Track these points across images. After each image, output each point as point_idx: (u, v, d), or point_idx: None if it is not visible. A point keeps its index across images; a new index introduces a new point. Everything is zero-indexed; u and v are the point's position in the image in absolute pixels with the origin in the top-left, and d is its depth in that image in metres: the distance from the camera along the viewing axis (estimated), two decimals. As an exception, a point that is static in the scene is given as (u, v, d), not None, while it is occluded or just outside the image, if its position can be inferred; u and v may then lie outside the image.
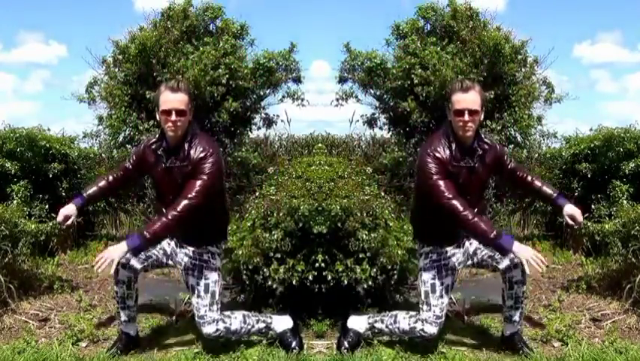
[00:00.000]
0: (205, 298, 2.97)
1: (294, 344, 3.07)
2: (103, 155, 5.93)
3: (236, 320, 3.04)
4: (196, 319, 2.99)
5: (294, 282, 3.39)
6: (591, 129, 5.61)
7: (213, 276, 2.99)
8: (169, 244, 3.02)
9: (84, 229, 5.70)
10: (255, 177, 5.30)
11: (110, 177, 3.20)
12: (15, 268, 3.93)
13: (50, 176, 5.26)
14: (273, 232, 3.42)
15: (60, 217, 3.11)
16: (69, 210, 3.13)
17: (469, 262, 3.04)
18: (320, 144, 5.06)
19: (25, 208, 4.43)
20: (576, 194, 5.49)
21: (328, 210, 3.43)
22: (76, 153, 5.67)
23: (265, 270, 3.44)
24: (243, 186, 5.27)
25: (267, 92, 5.48)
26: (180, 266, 3.03)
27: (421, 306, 3.02)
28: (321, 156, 4.35)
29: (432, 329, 2.97)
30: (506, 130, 5.22)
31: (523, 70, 5.42)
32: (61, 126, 6.47)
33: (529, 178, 3.19)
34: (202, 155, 2.82)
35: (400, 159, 5.38)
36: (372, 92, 5.48)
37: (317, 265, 3.39)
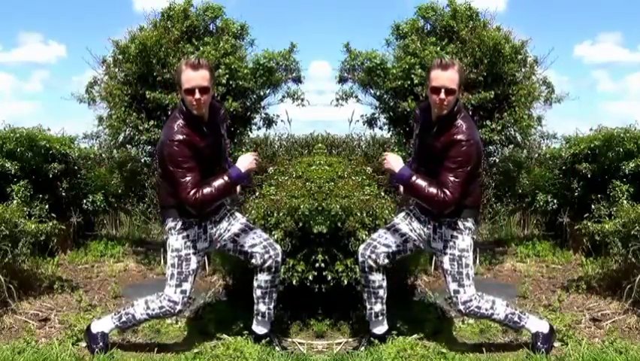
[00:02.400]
0: (257, 227, 3.13)
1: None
2: (103, 155, 5.93)
3: None
4: (265, 243, 3.02)
5: (294, 282, 3.39)
6: (591, 129, 5.60)
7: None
8: (206, 239, 2.99)
9: (84, 229, 5.70)
10: (255, 177, 5.29)
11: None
12: (15, 268, 3.93)
13: (50, 176, 5.26)
14: (273, 232, 3.42)
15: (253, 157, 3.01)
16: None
17: (427, 246, 3.06)
18: (320, 144, 5.07)
19: (25, 208, 4.42)
20: (576, 194, 5.49)
21: (328, 210, 3.43)
22: (76, 153, 5.67)
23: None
24: (243, 186, 5.27)
25: (267, 92, 5.47)
26: (221, 236, 3.03)
27: None
28: (321, 156, 4.36)
29: (360, 247, 3.09)
30: (506, 130, 5.21)
31: (523, 70, 5.41)
32: (61, 126, 6.44)
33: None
34: (225, 117, 3.11)
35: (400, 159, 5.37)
36: (372, 92, 5.47)
37: (317, 265, 3.39)
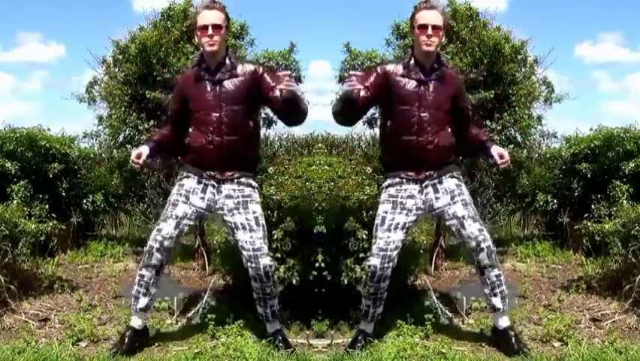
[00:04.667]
0: (259, 231, 2.98)
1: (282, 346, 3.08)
2: (103, 155, 5.93)
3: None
4: (251, 253, 2.95)
5: (294, 282, 3.39)
6: (591, 129, 5.62)
7: (259, 209, 3.03)
8: (203, 198, 3.01)
9: (84, 229, 5.70)
10: (254, 177, 5.30)
11: (165, 128, 3.26)
12: (15, 268, 3.93)
13: (50, 176, 5.26)
14: (273, 232, 3.42)
15: (133, 156, 3.02)
16: (141, 149, 3.06)
17: (430, 214, 3.08)
18: (320, 144, 5.06)
19: (25, 208, 4.42)
20: (576, 194, 5.49)
21: (328, 210, 3.43)
22: (76, 153, 5.67)
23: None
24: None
25: (267, 92, 5.47)
26: (222, 212, 3.02)
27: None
28: (321, 156, 4.34)
29: (374, 261, 2.95)
30: (506, 130, 5.21)
31: (523, 70, 5.41)
32: (61, 126, 6.45)
33: (469, 128, 3.17)
34: (260, 68, 3.02)
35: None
36: (372, 92, 5.47)
37: (317, 265, 3.39)
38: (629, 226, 3.86)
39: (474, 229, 2.97)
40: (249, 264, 2.99)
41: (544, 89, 5.60)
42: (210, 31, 2.92)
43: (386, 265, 2.96)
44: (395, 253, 2.97)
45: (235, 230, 3.01)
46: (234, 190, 3.02)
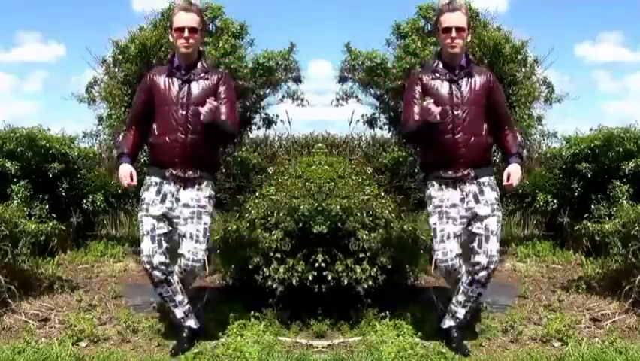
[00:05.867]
0: (203, 243, 3.01)
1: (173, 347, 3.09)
2: (103, 155, 5.94)
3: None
4: (190, 263, 3.01)
5: (294, 282, 3.39)
6: (591, 129, 5.62)
7: (209, 220, 3.06)
8: (161, 208, 3.00)
9: (84, 229, 5.70)
10: (255, 177, 5.29)
11: (130, 133, 3.18)
12: (15, 268, 3.93)
13: (50, 176, 5.26)
14: (273, 232, 3.42)
15: (127, 179, 3.08)
16: (128, 169, 3.10)
17: (467, 223, 3.03)
18: (320, 144, 5.06)
19: (25, 208, 4.42)
20: (576, 194, 5.49)
21: (328, 210, 3.43)
22: (76, 153, 5.67)
23: (265, 270, 3.44)
24: (242, 186, 5.27)
25: (267, 92, 5.47)
26: (177, 220, 3.01)
27: None
28: (321, 156, 4.35)
29: (439, 271, 3.09)
30: (506, 130, 5.21)
31: (523, 70, 5.41)
32: (61, 126, 6.45)
33: (505, 132, 3.16)
34: (223, 78, 3.06)
35: (400, 159, 5.38)
36: (373, 92, 5.47)
37: (317, 265, 3.39)
38: (629, 226, 3.86)
39: (494, 248, 2.98)
40: (183, 270, 3.05)
41: (545, 89, 5.60)
42: (186, 33, 2.95)
43: (452, 272, 3.04)
44: (457, 260, 3.02)
45: (183, 238, 3.02)
46: (192, 199, 3.02)
